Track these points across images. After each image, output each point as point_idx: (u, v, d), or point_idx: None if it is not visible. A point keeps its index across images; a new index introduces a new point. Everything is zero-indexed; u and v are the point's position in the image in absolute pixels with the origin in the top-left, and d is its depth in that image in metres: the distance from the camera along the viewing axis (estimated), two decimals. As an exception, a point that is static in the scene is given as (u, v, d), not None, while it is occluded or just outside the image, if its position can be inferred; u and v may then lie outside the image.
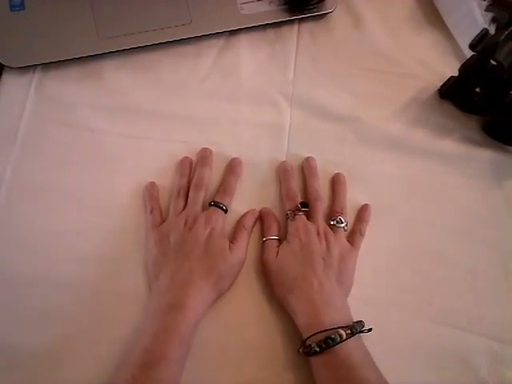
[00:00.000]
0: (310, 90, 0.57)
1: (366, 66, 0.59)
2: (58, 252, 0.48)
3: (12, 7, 0.55)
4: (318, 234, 0.46)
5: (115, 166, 0.52)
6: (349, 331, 0.39)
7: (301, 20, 0.60)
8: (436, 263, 0.50)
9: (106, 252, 0.48)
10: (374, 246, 0.49)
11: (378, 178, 0.53)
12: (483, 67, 0.50)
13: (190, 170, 0.51)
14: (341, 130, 0.55)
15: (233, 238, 0.47)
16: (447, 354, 0.46)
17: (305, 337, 0.41)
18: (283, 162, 0.52)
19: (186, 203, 0.48)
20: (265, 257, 0.47)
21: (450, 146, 0.55)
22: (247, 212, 0.50)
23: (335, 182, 0.52)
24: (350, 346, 0.39)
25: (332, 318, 0.41)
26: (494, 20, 0.51)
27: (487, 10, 0.52)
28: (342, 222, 0.48)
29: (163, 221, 0.48)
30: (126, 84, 0.56)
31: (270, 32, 0.60)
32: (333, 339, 0.39)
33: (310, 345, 0.40)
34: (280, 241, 0.48)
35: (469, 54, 0.51)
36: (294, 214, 0.48)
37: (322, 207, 0.49)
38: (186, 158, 0.52)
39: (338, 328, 0.39)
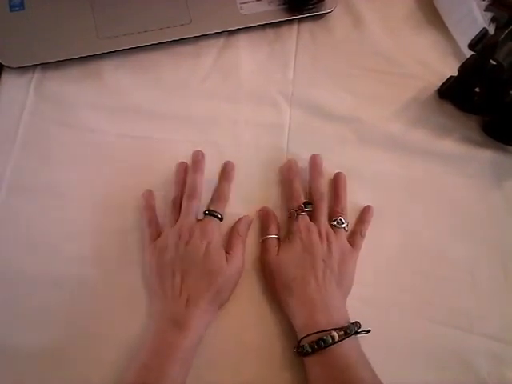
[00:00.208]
0: (310, 89, 0.57)
1: (366, 66, 0.59)
2: (58, 252, 0.48)
3: (12, 7, 0.55)
4: (320, 234, 0.46)
5: (115, 165, 0.52)
6: (342, 333, 0.39)
7: (300, 20, 0.60)
8: (436, 263, 0.50)
9: (106, 252, 0.48)
10: (375, 246, 0.49)
11: (378, 178, 0.53)
12: (483, 67, 0.50)
13: (185, 177, 0.50)
14: (341, 130, 0.55)
15: (228, 248, 0.46)
16: (447, 354, 0.46)
17: (299, 337, 0.41)
18: (289, 160, 0.52)
19: None
20: (264, 256, 0.47)
21: (450, 146, 0.55)
22: (240, 219, 0.49)
23: (336, 182, 0.52)
24: (343, 348, 0.39)
25: (327, 320, 0.41)
26: (493, 20, 0.51)
27: (487, 9, 0.52)
28: (343, 223, 0.48)
29: (160, 233, 0.47)
30: (126, 84, 0.56)
31: (270, 32, 0.60)
32: (325, 340, 0.39)
33: (303, 345, 0.40)
34: (279, 240, 0.48)
35: (468, 53, 0.51)
36: (297, 214, 0.47)
37: (326, 207, 0.49)
38: (182, 163, 0.51)
39: (332, 330, 0.40)
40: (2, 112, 0.53)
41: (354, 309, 0.44)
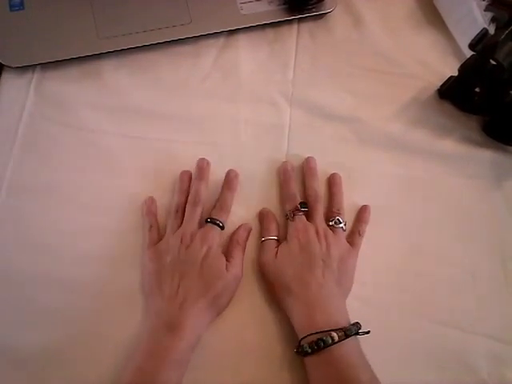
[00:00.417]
0: (310, 89, 0.57)
1: (366, 66, 0.59)
2: (58, 252, 0.48)
3: (12, 7, 0.55)
4: (318, 234, 0.46)
5: (114, 165, 0.52)
6: (342, 333, 0.39)
7: (300, 20, 0.60)
8: (436, 263, 0.50)
9: (106, 252, 0.48)
10: (374, 246, 0.49)
11: (377, 178, 0.53)
12: (483, 67, 0.50)
13: (189, 185, 0.50)
14: (341, 130, 0.55)
15: (228, 255, 0.46)
16: (447, 354, 0.46)
17: (299, 338, 0.41)
18: (284, 163, 0.52)
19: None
20: (263, 257, 0.47)
21: (450, 146, 0.55)
22: (240, 226, 0.49)
23: (331, 183, 0.52)
24: (343, 348, 0.39)
25: (327, 320, 0.41)
26: (493, 20, 0.51)
27: (487, 9, 0.52)
28: (341, 222, 0.48)
29: (160, 238, 0.47)
30: (126, 84, 0.56)
31: (270, 32, 0.60)
32: (324, 341, 0.39)
33: (303, 345, 0.40)
34: (279, 241, 0.48)
35: (468, 53, 0.51)
36: (294, 215, 0.48)
37: (321, 208, 0.49)
38: (185, 171, 0.51)
39: (331, 330, 0.39)
40: (2, 112, 0.53)
41: (354, 309, 0.44)
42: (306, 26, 0.60)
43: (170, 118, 0.55)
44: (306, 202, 0.49)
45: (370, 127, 0.55)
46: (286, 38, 0.60)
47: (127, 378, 0.39)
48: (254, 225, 0.50)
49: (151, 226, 0.48)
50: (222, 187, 0.50)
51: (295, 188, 0.50)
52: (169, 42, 0.56)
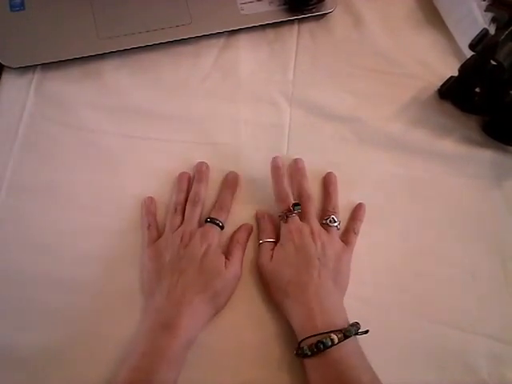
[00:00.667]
0: (310, 89, 0.57)
1: (366, 66, 0.59)
2: (58, 252, 0.48)
3: (12, 7, 0.55)
4: (312, 234, 0.46)
5: (115, 165, 0.52)
6: (341, 335, 0.39)
7: (301, 20, 0.60)
8: (436, 263, 0.50)
9: (106, 252, 0.48)
10: (374, 245, 0.49)
11: (377, 177, 0.53)
12: (483, 67, 0.50)
13: (188, 185, 0.50)
14: (341, 130, 0.55)
15: (228, 254, 0.46)
16: (447, 354, 0.46)
17: (299, 339, 0.41)
18: (274, 158, 0.50)
19: (183, 220, 0.47)
20: (259, 260, 0.47)
21: (450, 146, 0.55)
22: (240, 227, 0.49)
23: (326, 182, 0.52)
24: (343, 349, 0.39)
25: (326, 322, 0.40)
26: (493, 20, 0.51)
27: (487, 10, 0.52)
28: (335, 222, 0.48)
29: (159, 237, 0.47)
30: (126, 84, 0.56)
31: (270, 32, 0.60)
32: (324, 343, 0.38)
33: (303, 348, 0.40)
34: (276, 243, 0.48)
35: (469, 54, 0.51)
36: (287, 216, 0.47)
37: (314, 207, 0.49)
38: (184, 173, 0.51)
39: (331, 332, 0.39)
40: (2, 112, 0.53)
41: (354, 309, 0.44)
42: (307, 26, 0.60)
43: (170, 118, 0.55)
44: (298, 202, 0.48)
45: (370, 127, 0.55)
46: (286, 38, 0.60)
47: (123, 376, 0.39)
48: (254, 225, 0.50)
49: (150, 225, 0.48)
50: (222, 187, 0.50)
51: (287, 186, 0.49)
52: (169, 42, 0.56)
